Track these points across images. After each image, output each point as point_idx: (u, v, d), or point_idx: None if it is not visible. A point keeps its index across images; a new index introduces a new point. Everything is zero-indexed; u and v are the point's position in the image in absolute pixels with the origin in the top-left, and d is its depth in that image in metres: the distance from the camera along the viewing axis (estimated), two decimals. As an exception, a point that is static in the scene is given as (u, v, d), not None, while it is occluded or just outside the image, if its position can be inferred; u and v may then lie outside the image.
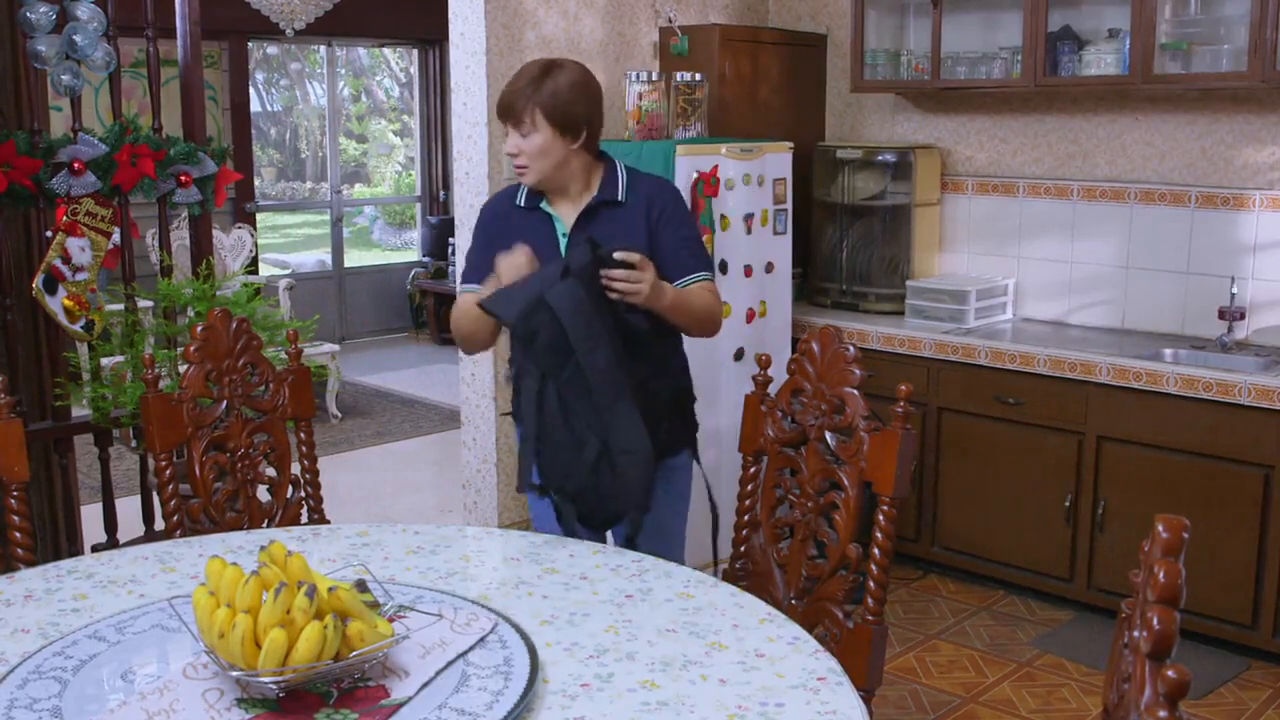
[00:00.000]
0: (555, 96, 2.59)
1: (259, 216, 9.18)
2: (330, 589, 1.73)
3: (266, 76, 10.81)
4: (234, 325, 2.70)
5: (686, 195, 3.97)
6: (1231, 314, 4.17)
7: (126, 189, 3.63)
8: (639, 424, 2.36)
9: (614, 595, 2.09)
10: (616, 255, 2.39)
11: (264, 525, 2.71)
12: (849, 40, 4.89)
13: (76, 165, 3.47)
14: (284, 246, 11.15)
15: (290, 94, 11.18)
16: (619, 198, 2.68)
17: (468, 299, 2.67)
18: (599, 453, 2.37)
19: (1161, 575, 1.31)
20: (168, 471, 2.58)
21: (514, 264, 2.48)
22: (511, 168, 2.69)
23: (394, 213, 11.23)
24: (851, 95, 5.17)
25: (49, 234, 3.55)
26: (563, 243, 2.67)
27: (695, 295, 2.65)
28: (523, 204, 2.73)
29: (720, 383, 4.20)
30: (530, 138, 2.60)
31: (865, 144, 5.09)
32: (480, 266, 2.68)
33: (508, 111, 2.62)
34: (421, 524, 2.49)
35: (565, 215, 2.69)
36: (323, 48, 9.70)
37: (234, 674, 1.66)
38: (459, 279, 2.85)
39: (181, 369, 2.95)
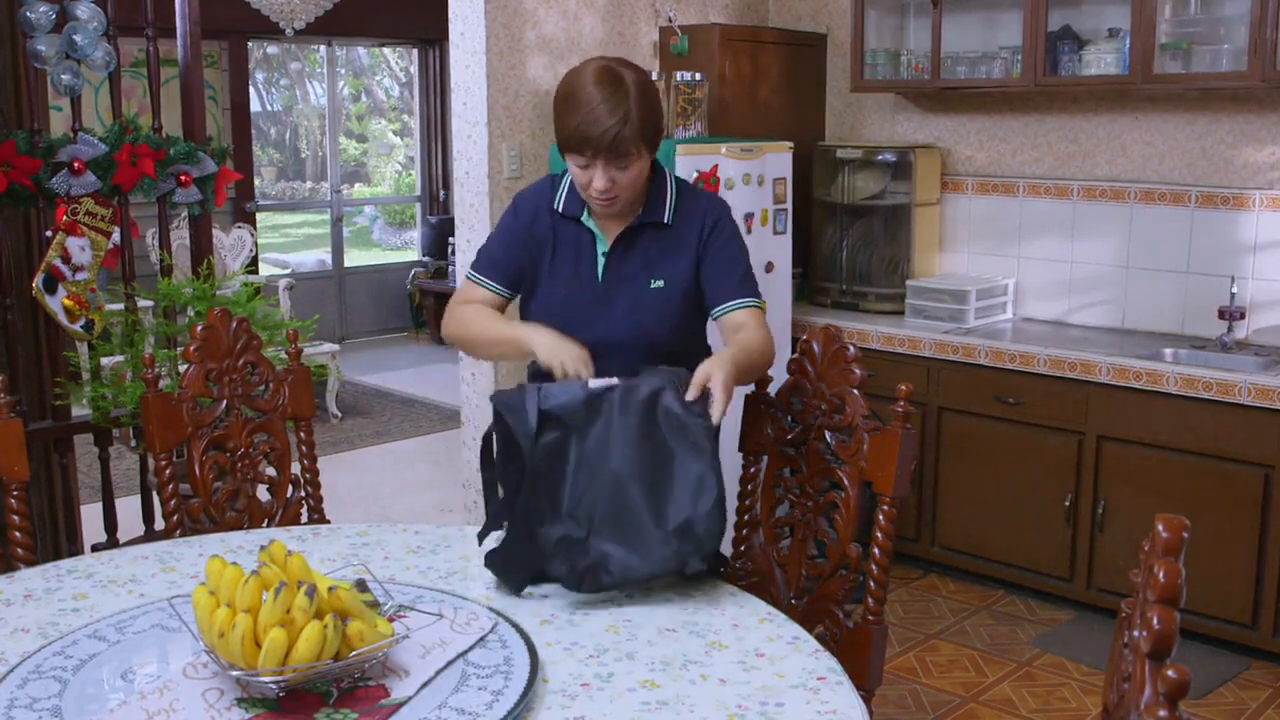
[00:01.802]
0: (651, 113, 2.30)
1: (259, 216, 9.18)
2: (330, 589, 1.73)
3: (266, 76, 10.82)
4: (234, 325, 2.70)
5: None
6: (1231, 314, 4.17)
7: (126, 189, 3.63)
8: None
9: (614, 595, 2.09)
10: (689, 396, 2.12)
11: (264, 525, 2.70)
12: (849, 40, 4.89)
13: (76, 165, 3.47)
14: (284, 246, 11.16)
15: (290, 94, 11.18)
16: (665, 219, 2.44)
17: (475, 295, 2.52)
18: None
19: (1161, 575, 1.31)
20: (168, 471, 2.58)
21: (565, 357, 2.25)
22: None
23: (394, 212, 11.23)
24: (851, 95, 5.17)
25: (49, 234, 3.55)
26: (600, 262, 2.44)
27: (749, 347, 2.37)
28: (561, 209, 2.47)
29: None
30: (630, 169, 2.31)
31: (865, 144, 5.09)
32: (499, 263, 2.52)
33: (613, 148, 2.26)
34: (421, 524, 2.49)
35: (608, 232, 2.45)
36: (323, 47, 9.70)
37: (234, 674, 1.66)
38: (469, 264, 2.61)
39: (181, 368, 2.95)
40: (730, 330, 2.46)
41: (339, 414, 7.27)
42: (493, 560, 2.16)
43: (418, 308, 9.88)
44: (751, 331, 2.42)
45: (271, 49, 10.30)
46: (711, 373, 2.15)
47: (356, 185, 11.33)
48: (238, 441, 2.69)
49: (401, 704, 1.66)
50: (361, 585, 1.89)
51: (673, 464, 2.12)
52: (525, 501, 2.12)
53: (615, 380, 2.16)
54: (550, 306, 2.48)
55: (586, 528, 2.09)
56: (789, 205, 4.53)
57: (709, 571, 2.15)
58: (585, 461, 2.12)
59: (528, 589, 2.11)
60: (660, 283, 2.45)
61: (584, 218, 2.46)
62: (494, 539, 2.27)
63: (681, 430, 2.12)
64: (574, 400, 2.13)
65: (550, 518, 2.11)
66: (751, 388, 2.59)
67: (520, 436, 2.12)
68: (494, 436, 2.21)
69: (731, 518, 2.60)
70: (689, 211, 2.47)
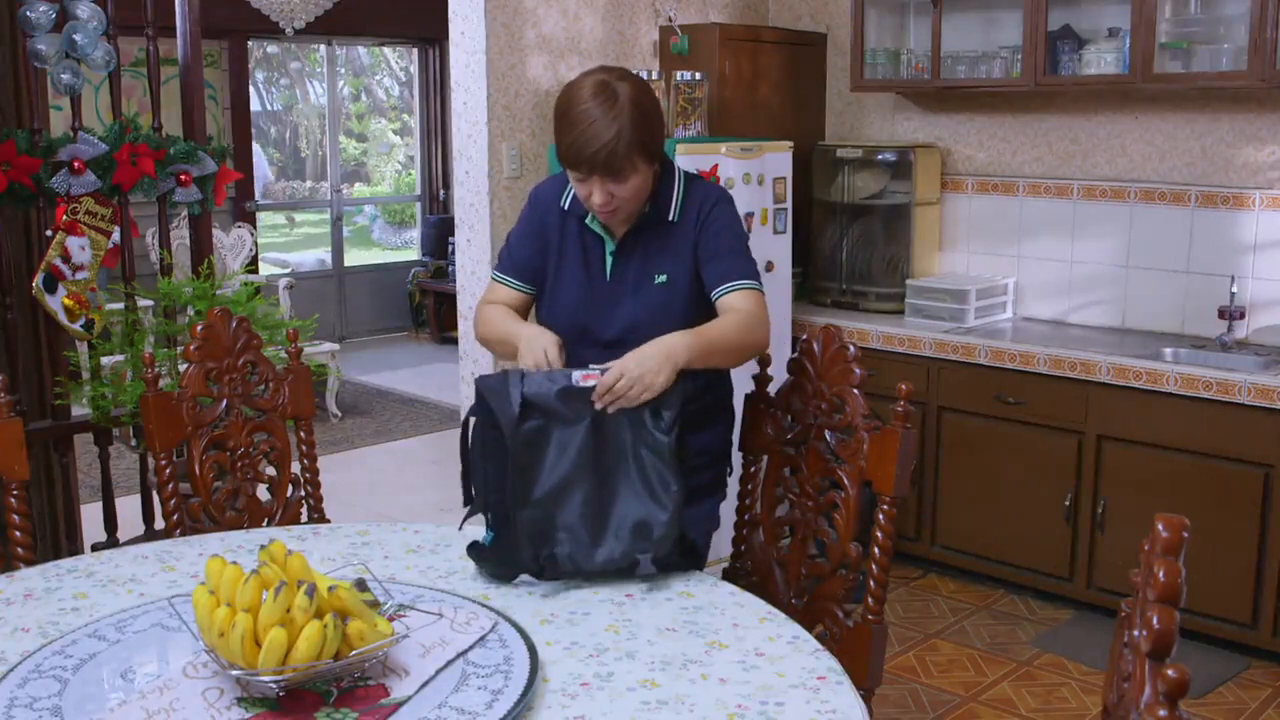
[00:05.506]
0: (647, 127, 2.29)
1: (259, 215, 9.18)
2: (330, 588, 1.73)
3: (266, 76, 10.82)
4: (234, 324, 2.70)
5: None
6: (1231, 313, 4.17)
7: (126, 188, 3.63)
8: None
9: (614, 594, 2.09)
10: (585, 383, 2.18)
11: (264, 524, 2.70)
12: (849, 39, 4.89)
13: (76, 164, 3.47)
14: (284, 246, 11.15)
15: (290, 93, 11.18)
16: (671, 217, 2.43)
17: (498, 294, 2.53)
18: None
19: (1161, 574, 1.31)
20: (167, 470, 2.58)
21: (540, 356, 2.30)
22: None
23: (394, 212, 11.23)
24: (851, 94, 5.17)
25: (49, 233, 3.55)
26: (609, 261, 2.44)
27: (724, 328, 2.36)
28: (567, 208, 2.47)
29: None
30: (628, 182, 2.30)
31: (865, 143, 5.09)
32: (518, 260, 2.52)
33: (607, 166, 2.26)
34: (421, 524, 2.49)
35: (615, 231, 2.45)
36: (323, 47, 9.70)
37: (234, 673, 1.66)
38: (493, 264, 2.60)
39: (181, 368, 2.95)
40: (722, 315, 2.43)
41: (339, 413, 7.27)
42: (479, 552, 2.20)
43: (417, 307, 9.88)
44: (728, 315, 2.39)
45: (271, 48, 10.29)
46: (621, 366, 2.19)
47: (356, 185, 11.33)
48: (238, 441, 2.69)
49: (401, 703, 1.66)
50: (361, 585, 1.89)
51: (641, 467, 2.20)
52: (509, 486, 2.17)
53: (598, 373, 2.20)
54: (563, 306, 2.49)
55: (553, 516, 2.15)
56: (789, 205, 4.53)
57: (662, 571, 2.18)
58: (560, 453, 2.18)
59: (527, 589, 2.11)
60: (663, 278, 2.44)
61: (589, 220, 2.45)
62: (476, 531, 2.30)
63: (651, 441, 2.20)
64: (553, 391, 2.19)
65: (522, 503, 2.16)
66: (752, 386, 2.60)
67: (503, 422, 2.17)
68: (473, 420, 2.25)
69: (731, 517, 2.61)
70: (690, 206, 2.46)
